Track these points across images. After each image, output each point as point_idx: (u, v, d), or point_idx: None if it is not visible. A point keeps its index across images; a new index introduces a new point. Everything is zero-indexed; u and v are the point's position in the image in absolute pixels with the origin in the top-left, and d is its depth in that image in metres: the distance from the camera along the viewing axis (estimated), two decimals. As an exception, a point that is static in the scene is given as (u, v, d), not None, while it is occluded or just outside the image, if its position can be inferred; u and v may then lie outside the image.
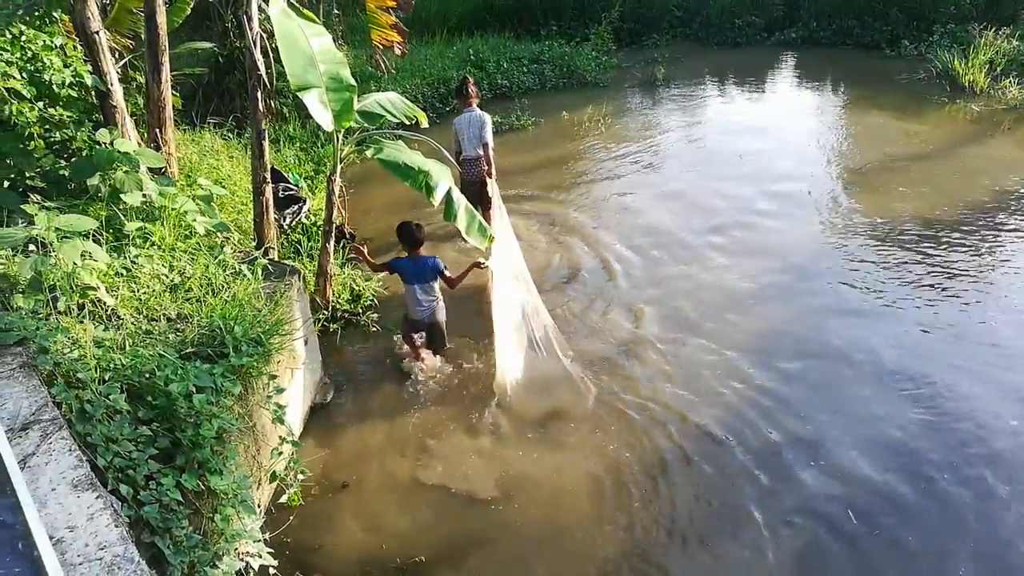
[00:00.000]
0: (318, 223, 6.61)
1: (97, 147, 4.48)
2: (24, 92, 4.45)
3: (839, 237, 7.02)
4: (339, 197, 5.46)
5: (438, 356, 5.37)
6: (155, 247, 4.20)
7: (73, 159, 4.77)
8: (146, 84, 5.56)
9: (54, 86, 4.63)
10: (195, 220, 4.45)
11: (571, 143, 9.83)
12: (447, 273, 5.15)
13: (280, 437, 3.73)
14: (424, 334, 5.36)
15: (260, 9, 5.01)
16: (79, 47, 4.88)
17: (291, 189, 6.92)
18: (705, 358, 5.33)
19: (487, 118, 6.66)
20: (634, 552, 3.84)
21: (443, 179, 4.89)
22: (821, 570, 3.76)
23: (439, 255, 5.29)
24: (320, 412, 4.93)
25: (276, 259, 5.14)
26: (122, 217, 4.23)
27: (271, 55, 5.84)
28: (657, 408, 4.83)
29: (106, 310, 3.56)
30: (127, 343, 3.33)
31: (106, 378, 3.01)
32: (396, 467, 4.47)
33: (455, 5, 14.38)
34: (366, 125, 5.25)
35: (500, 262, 5.38)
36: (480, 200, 6.77)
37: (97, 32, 4.78)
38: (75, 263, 3.44)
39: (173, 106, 5.55)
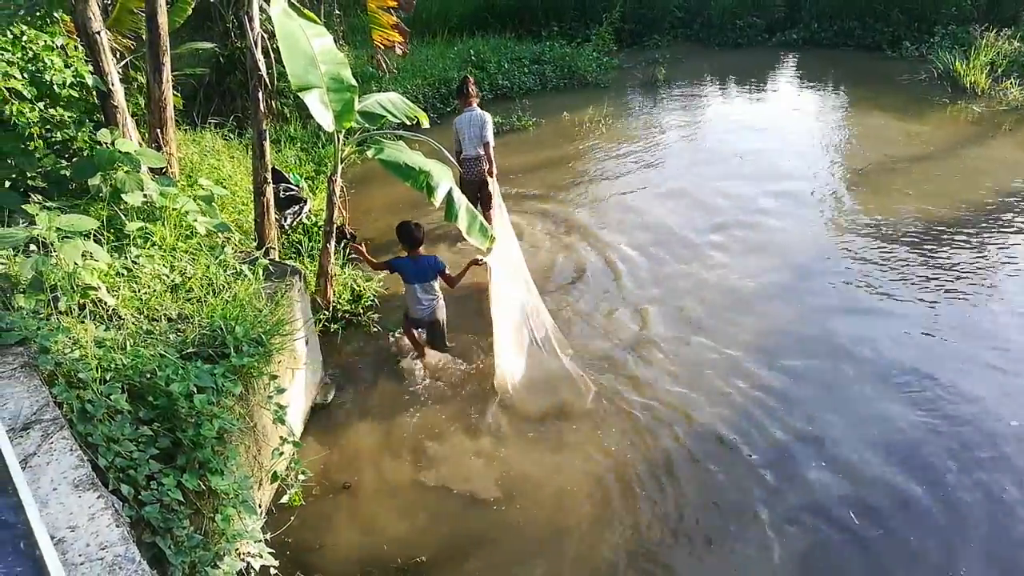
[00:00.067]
0: (319, 223, 6.61)
1: (98, 147, 4.48)
2: (25, 92, 4.45)
3: (842, 236, 7.02)
4: (340, 197, 5.46)
5: (439, 354, 5.38)
6: (156, 247, 4.20)
7: (74, 159, 4.76)
8: (147, 84, 5.56)
9: (55, 86, 4.62)
10: (196, 220, 4.45)
11: (572, 143, 9.83)
12: (447, 272, 5.15)
13: (281, 437, 3.73)
14: (424, 332, 5.37)
15: (261, 9, 5.01)
16: (80, 47, 4.87)
17: (292, 189, 6.92)
18: (709, 357, 5.34)
19: (488, 117, 6.66)
20: (638, 552, 3.84)
21: (444, 179, 4.89)
22: (827, 569, 3.75)
23: (437, 255, 5.30)
24: (321, 412, 4.93)
25: (277, 259, 5.14)
26: (123, 217, 4.23)
27: (272, 55, 5.85)
28: (661, 407, 4.84)
29: (107, 310, 3.56)
30: (128, 343, 3.33)
31: (107, 378, 3.00)
32: (397, 467, 4.47)
33: (456, 5, 14.38)
34: (367, 125, 5.25)
35: (499, 260, 5.39)
36: (480, 199, 6.78)
37: (98, 32, 4.78)
38: (76, 263, 3.44)
39: (174, 106, 5.54)
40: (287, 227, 6.61)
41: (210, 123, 8.33)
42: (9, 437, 2.52)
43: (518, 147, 9.64)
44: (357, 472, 4.44)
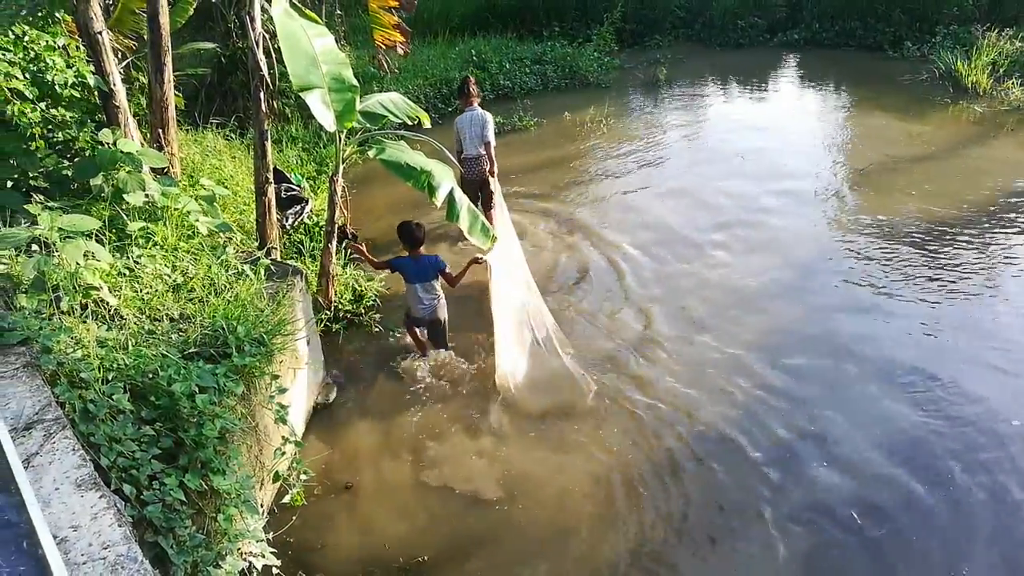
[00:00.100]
0: (320, 223, 6.61)
1: (100, 147, 4.48)
2: (27, 92, 4.45)
3: (844, 236, 7.02)
4: (341, 197, 5.46)
5: (440, 354, 5.38)
6: (158, 247, 4.20)
7: (76, 159, 4.77)
8: (149, 84, 5.56)
9: (57, 86, 4.63)
10: (198, 220, 4.45)
11: (573, 143, 9.83)
12: (448, 271, 5.15)
13: (283, 437, 3.73)
14: (426, 332, 5.37)
15: (263, 10, 5.01)
16: (82, 47, 4.87)
17: (293, 189, 6.93)
18: (712, 356, 5.34)
19: (488, 117, 6.67)
20: (641, 551, 3.83)
21: (445, 179, 4.89)
22: (831, 569, 3.75)
23: (438, 254, 5.30)
24: (322, 412, 4.93)
25: (278, 259, 5.14)
26: (125, 217, 4.23)
27: (274, 55, 5.86)
28: (664, 407, 4.84)
29: (109, 310, 3.56)
30: (130, 343, 3.33)
31: (109, 378, 3.01)
32: (399, 467, 4.47)
33: (457, 5, 14.39)
34: (368, 125, 5.25)
35: (499, 258, 5.39)
36: (481, 199, 6.78)
37: (100, 32, 4.78)
38: (78, 263, 3.44)
39: (176, 106, 5.54)
40: (289, 227, 6.62)
41: (212, 123, 8.34)
42: (12, 437, 2.52)
43: (520, 147, 9.64)
44: (359, 472, 4.44)
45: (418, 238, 5.05)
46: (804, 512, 4.03)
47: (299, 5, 4.95)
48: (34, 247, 3.56)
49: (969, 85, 11.01)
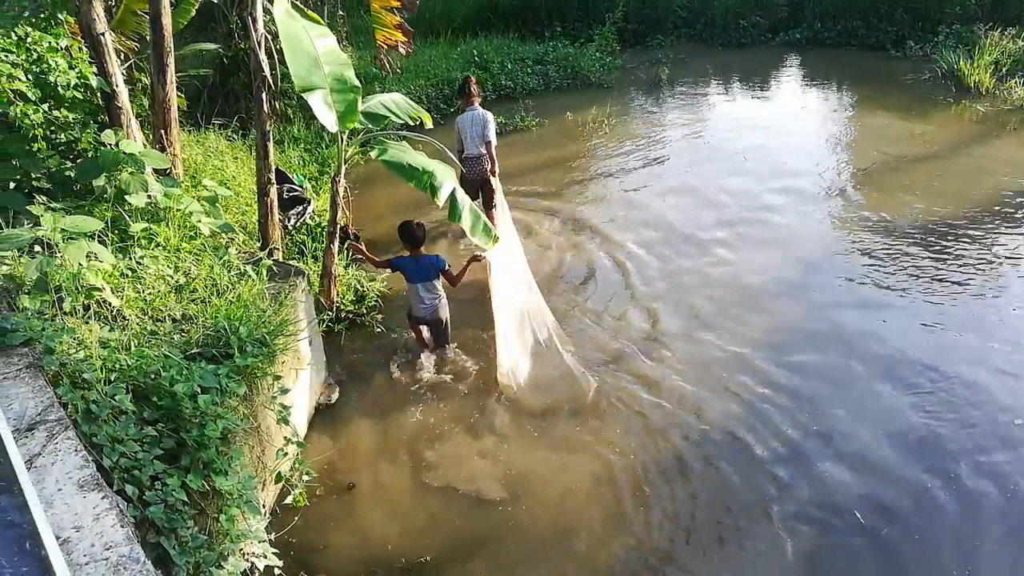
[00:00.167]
0: (322, 224, 6.61)
1: (102, 148, 4.49)
2: (30, 94, 4.46)
3: (848, 233, 7.01)
4: (343, 198, 5.46)
5: (442, 353, 5.38)
6: (160, 248, 4.20)
7: (78, 160, 4.77)
8: (151, 85, 5.57)
9: (59, 88, 4.63)
10: (200, 221, 4.46)
11: (576, 143, 9.82)
12: (449, 270, 5.15)
13: (285, 438, 3.73)
14: (428, 331, 5.38)
15: (265, 10, 5.01)
16: (84, 49, 4.88)
17: (295, 190, 6.93)
18: (717, 354, 5.33)
19: (489, 116, 6.67)
20: (647, 550, 3.82)
21: (447, 180, 4.88)
22: (839, 567, 3.74)
23: (439, 254, 5.31)
24: (325, 412, 4.93)
25: (280, 260, 5.14)
26: (127, 218, 4.23)
27: (276, 56, 5.85)
28: (669, 405, 4.83)
29: (111, 311, 3.56)
30: (132, 344, 3.33)
31: (111, 378, 3.01)
32: (401, 467, 4.47)
33: (459, 6, 14.39)
34: (370, 126, 5.26)
35: (499, 256, 5.38)
36: (482, 198, 6.78)
37: (102, 34, 4.79)
38: (80, 264, 3.45)
39: (178, 107, 5.55)
40: (291, 228, 6.62)
41: (214, 124, 8.34)
42: (14, 437, 2.52)
43: (522, 147, 9.64)
44: (361, 472, 4.43)
45: (418, 238, 5.05)
46: (811, 509, 4.02)
47: (301, 6, 4.95)
48: (37, 248, 3.56)
49: (972, 84, 10.97)
